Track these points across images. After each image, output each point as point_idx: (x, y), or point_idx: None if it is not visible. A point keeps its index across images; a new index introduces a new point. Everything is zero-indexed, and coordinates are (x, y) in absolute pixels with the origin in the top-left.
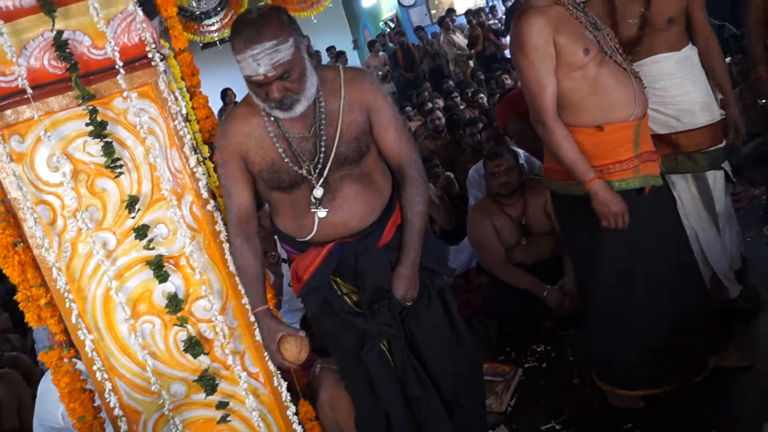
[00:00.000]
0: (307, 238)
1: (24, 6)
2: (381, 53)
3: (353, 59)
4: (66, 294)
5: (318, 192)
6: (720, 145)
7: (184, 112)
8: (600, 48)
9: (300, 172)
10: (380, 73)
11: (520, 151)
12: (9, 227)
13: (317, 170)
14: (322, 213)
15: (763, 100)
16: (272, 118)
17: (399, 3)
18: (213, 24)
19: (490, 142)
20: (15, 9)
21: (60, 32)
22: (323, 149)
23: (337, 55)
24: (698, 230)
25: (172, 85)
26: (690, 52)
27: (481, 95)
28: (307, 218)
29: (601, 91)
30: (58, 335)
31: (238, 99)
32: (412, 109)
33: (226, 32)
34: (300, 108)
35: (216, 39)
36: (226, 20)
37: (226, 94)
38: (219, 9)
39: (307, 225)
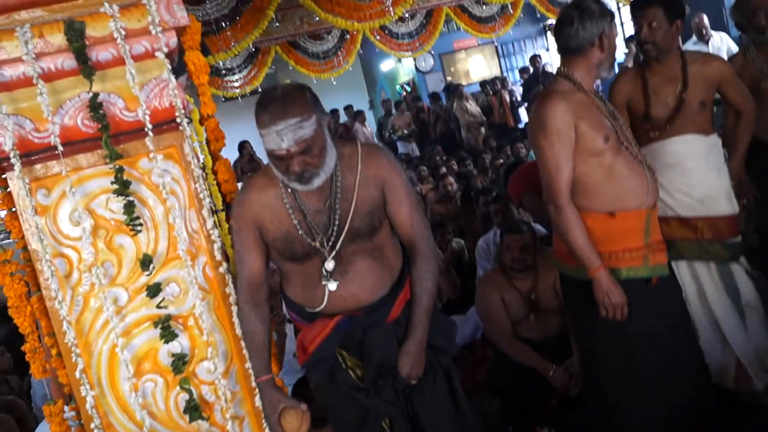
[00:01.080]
0: (317, 309)
1: (65, 68)
2: (406, 113)
3: (368, 118)
4: (73, 348)
5: (330, 264)
6: (738, 239)
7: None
8: (617, 137)
9: (313, 244)
10: (405, 131)
11: (537, 227)
12: (24, 277)
13: (330, 243)
14: (332, 286)
15: (745, 201)
16: (289, 190)
17: (416, 68)
18: (236, 81)
19: (498, 216)
20: (57, 71)
21: (96, 94)
22: (337, 222)
23: (356, 114)
24: (721, 318)
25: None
26: (717, 140)
27: (500, 162)
28: (318, 290)
29: (615, 178)
30: (67, 387)
31: (255, 151)
32: (426, 169)
33: (249, 88)
34: (318, 181)
35: (238, 95)
36: (249, 77)
37: (243, 146)
38: (243, 66)
39: (317, 296)
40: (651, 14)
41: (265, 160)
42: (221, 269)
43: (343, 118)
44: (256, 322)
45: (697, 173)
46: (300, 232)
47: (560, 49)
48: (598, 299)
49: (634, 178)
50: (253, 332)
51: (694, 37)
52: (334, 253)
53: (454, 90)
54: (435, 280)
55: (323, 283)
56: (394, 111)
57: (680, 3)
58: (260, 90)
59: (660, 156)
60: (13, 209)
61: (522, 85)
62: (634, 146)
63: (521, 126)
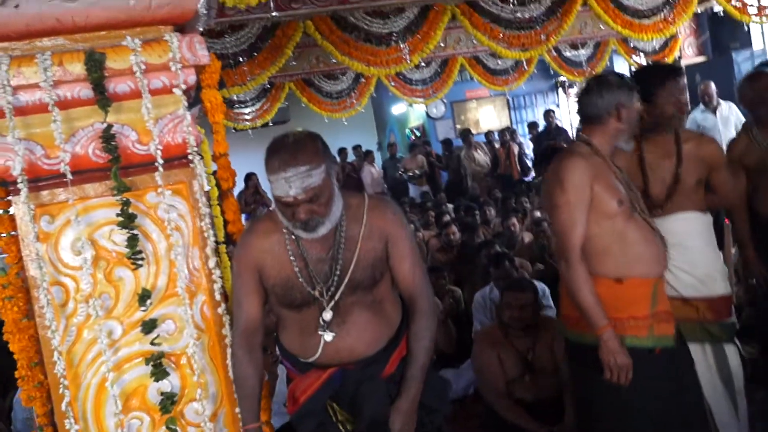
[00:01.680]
0: (311, 359)
1: (81, 97)
2: (419, 156)
3: (376, 159)
4: (62, 379)
5: (327, 315)
6: (733, 319)
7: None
8: (631, 203)
9: (313, 292)
10: (416, 172)
11: (539, 286)
12: (19, 302)
13: (329, 293)
14: (328, 336)
15: (753, 279)
16: (293, 236)
17: (427, 114)
18: (248, 113)
19: (499, 282)
20: (73, 99)
21: (110, 126)
22: (338, 273)
23: (365, 154)
24: (712, 403)
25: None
26: (710, 219)
27: (515, 222)
28: (313, 339)
29: (626, 243)
30: (40, 418)
31: (260, 183)
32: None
33: (260, 122)
34: (323, 230)
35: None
36: (262, 111)
37: (249, 178)
38: (256, 100)
39: (312, 346)
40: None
41: (270, 193)
42: (219, 309)
43: (351, 157)
44: (248, 368)
45: (698, 252)
46: (300, 280)
47: (581, 117)
48: (604, 360)
49: (645, 245)
50: (244, 378)
51: (702, 105)
52: (332, 303)
53: (464, 138)
54: (433, 338)
55: (319, 333)
56: (399, 154)
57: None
58: (271, 123)
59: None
60: (13, 233)
61: (531, 139)
62: (647, 215)
63: (527, 179)
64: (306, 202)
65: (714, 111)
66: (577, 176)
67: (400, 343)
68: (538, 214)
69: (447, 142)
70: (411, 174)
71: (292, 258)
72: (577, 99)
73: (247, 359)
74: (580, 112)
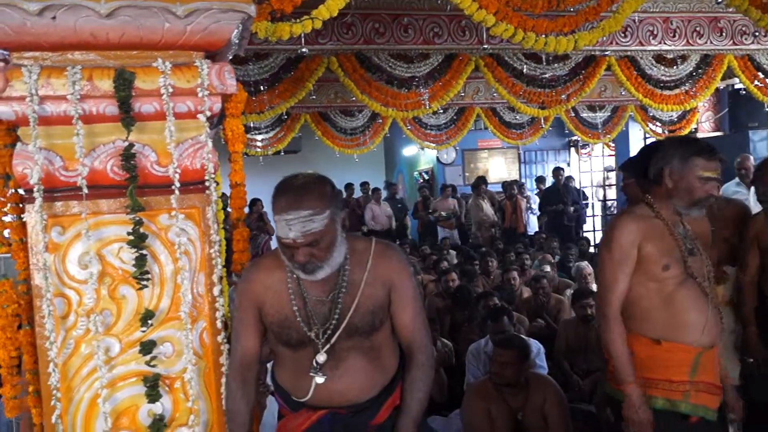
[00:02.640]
0: (302, 399)
1: (106, 114)
2: (450, 198)
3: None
4: (55, 392)
5: (321, 357)
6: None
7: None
8: (685, 269)
9: (309, 333)
10: (443, 214)
11: (534, 344)
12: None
13: (326, 336)
14: (320, 379)
15: (751, 359)
16: (295, 276)
17: (437, 159)
18: (261, 140)
19: (495, 336)
20: (97, 114)
21: (131, 145)
22: (337, 316)
23: (374, 191)
24: None
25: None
26: None
27: (515, 276)
28: (306, 380)
29: (672, 308)
30: (36, 428)
31: (266, 211)
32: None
33: (271, 150)
34: (322, 274)
35: (260, 154)
36: (275, 139)
37: (254, 203)
38: (270, 128)
39: (304, 387)
40: None
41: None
42: (219, 337)
43: (357, 192)
44: (241, 402)
45: None
46: (298, 320)
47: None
48: (626, 414)
49: (691, 313)
50: (235, 411)
51: (737, 179)
52: (328, 346)
53: (476, 186)
54: (428, 390)
55: (311, 374)
56: (399, 195)
57: None
58: (282, 153)
59: None
60: (23, 239)
61: (538, 194)
62: (707, 282)
63: (530, 233)
64: (305, 246)
65: (749, 186)
66: (624, 235)
67: (394, 392)
68: (547, 268)
69: (452, 189)
70: (437, 215)
71: (292, 297)
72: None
73: (240, 393)
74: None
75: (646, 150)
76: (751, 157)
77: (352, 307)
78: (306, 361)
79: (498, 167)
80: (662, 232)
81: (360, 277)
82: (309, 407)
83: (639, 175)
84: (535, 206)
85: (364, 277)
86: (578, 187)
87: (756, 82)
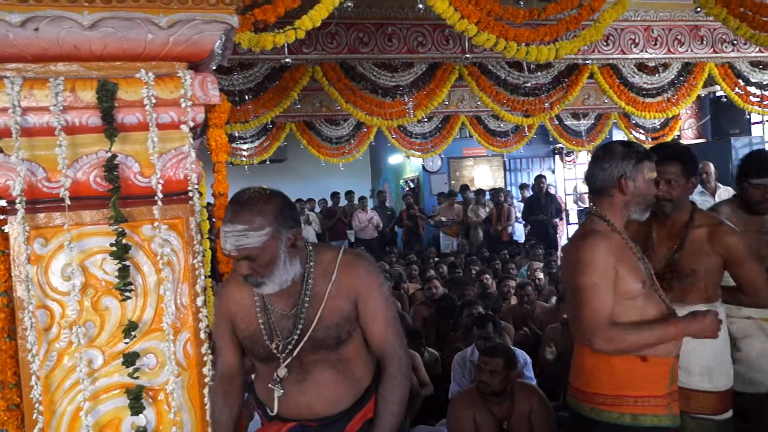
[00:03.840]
0: (272, 412)
1: (89, 125)
2: (456, 205)
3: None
4: (37, 405)
5: (281, 371)
6: (726, 415)
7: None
8: (651, 281)
9: (271, 347)
10: (443, 219)
11: (521, 355)
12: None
13: (288, 349)
14: (278, 392)
15: None
16: None
17: (423, 167)
18: (246, 150)
19: (480, 341)
20: (80, 126)
21: (114, 155)
22: (299, 330)
23: (360, 199)
24: None
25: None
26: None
27: (486, 276)
28: (272, 393)
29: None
30: None
31: None
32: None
33: (257, 159)
34: (267, 289)
35: (245, 163)
36: (261, 149)
37: None
38: (256, 137)
39: (272, 399)
40: (670, 171)
41: None
42: (202, 348)
43: (343, 201)
44: (222, 414)
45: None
46: (263, 334)
47: (588, 188)
48: (696, 331)
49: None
50: (218, 423)
51: (699, 186)
52: (290, 359)
53: (477, 193)
54: (401, 403)
55: (270, 386)
56: (388, 203)
57: (695, 160)
58: (268, 161)
59: None
60: (5, 251)
61: (522, 200)
62: (661, 292)
63: (517, 239)
64: (243, 260)
65: (713, 194)
66: (601, 258)
67: (366, 405)
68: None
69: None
70: (437, 220)
71: (258, 312)
72: (586, 171)
73: (222, 404)
74: (586, 183)
75: (588, 166)
76: (711, 164)
77: (315, 320)
78: (274, 374)
79: (483, 175)
80: (625, 247)
81: (324, 289)
82: (280, 419)
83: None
84: (519, 213)
85: (327, 289)
86: (562, 194)
87: (737, 90)
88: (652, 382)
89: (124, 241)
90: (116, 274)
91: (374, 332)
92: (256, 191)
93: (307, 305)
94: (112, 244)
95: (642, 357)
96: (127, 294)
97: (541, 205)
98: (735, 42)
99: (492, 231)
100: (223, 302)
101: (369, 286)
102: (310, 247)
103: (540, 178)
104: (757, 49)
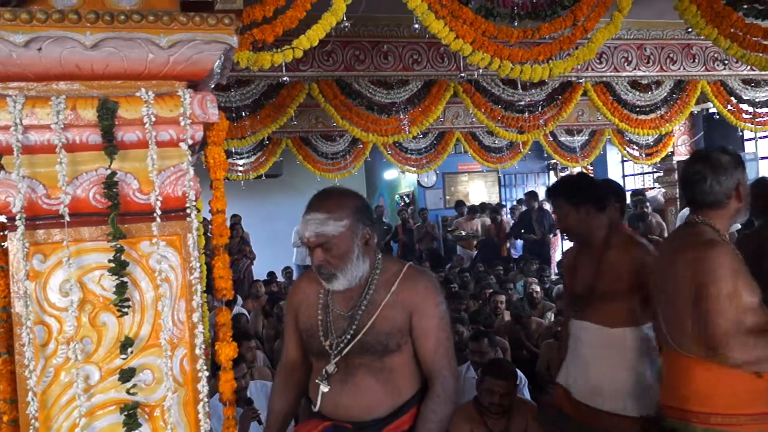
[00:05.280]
0: (315, 408)
1: (89, 143)
2: (476, 219)
3: None
4: (33, 421)
5: (330, 367)
6: None
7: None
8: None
9: (324, 343)
10: (462, 233)
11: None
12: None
13: (339, 348)
14: (324, 387)
15: None
16: (328, 290)
17: (418, 182)
18: (242, 165)
19: (475, 355)
20: (80, 143)
21: (114, 173)
22: (352, 331)
23: None
24: None
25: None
26: (625, 335)
27: (501, 299)
28: (318, 389)
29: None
30: None
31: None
32: None
33: (253, 174)
34: (337, 284)
35: (241, 179)
36: (257, 164)
37: (233, 228)
38: (252, 153)
39: (316, 395)
40: (555, 204)
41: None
42: (198, 365)
43: None
44: (277, 402)
45: (589, 362)
46: (319, 330)
47: (695, 203)
48: None
49: None
50: (271, 410)
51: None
52: (339, 358)
53: (472, 209)
54: (440, 422)
55: (317, 381)
56: (385, 218)
57: (587, 188)
58: (264, 177)
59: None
60: (4, 267)
61: (518, 213)
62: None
63: (514, 254)
64: (318, 247)
65: None
66: (727, 267)
67: (402, 416)
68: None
69: (422, 212)
70: (457, 234)
71: (319, 308)
72: (684, 187)
73: (279, 393)
74: (694, 199)
75: (694, 184)
76: None
77: (367, 325)
78: (322, 371)
79: (478, 190)
80: (740, 260)
81: (382, 298)
82: (318, 417)
83: (580, 202)
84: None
85: (385, 299)
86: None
87: (729, 107)
88: (763, 399)
89: (122, 257)
90: (114, 290)
91: (424, 349)
92: (338, 188)
93: (363, 309)
94: (110, 260)
95: (756, 373)
96: (124, 310)
97: (533, 221)
98: (726, 61)
99: (496, 241)
100: (292, 296)
101: (426, 303)
102: (379, 256)
103: (532, 194)
104: (749, 67)
